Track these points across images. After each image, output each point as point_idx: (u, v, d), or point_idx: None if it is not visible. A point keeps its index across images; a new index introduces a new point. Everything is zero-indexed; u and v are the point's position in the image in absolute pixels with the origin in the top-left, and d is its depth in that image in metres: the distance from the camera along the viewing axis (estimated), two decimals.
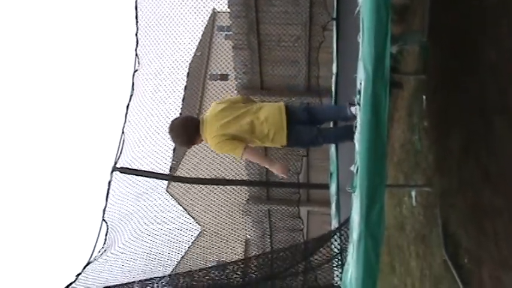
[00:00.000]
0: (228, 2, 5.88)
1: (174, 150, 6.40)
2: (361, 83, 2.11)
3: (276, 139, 3.82)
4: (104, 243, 4.53)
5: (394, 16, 5.14)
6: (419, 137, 4.45)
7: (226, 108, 3.88)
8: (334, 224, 4.66)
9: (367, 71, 1.97)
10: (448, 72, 3.67)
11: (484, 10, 3.07)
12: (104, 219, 4.66)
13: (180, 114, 6.58)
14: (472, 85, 3.19)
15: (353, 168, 2.32)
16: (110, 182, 4.95)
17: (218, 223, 7.18)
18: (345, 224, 2.41)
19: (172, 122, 4.03)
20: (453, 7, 3.66)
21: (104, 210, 4.74)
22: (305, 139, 3.99)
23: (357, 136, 2.14)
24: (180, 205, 6.73)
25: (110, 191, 4.97)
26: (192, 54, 6.64)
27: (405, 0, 5.20)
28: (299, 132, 3.88)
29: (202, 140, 3.96)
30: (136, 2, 5.41)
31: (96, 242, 4.47)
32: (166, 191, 6.32)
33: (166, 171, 6.09)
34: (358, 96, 2.17)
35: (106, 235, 4.58)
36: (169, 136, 4.03)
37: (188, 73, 6.74)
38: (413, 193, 4.48)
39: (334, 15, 5.10)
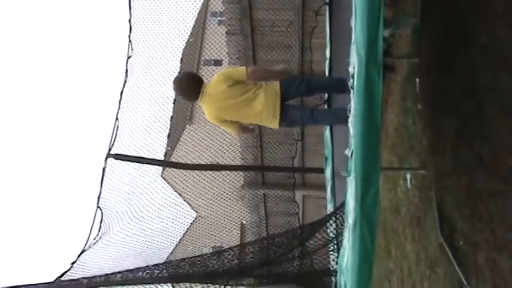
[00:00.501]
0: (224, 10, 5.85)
1: (168, 135, 6.40)
2: (354, 67, 2.11)
3: (269, 124, 4.06)
4: (99, 231, 4.54)
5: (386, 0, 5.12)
6: (413, 121, 4.45)
7: (228, 89, 3.96)
8: (330, 208, 4.67)
9: (360, 55, 1.96)
10: (441, 55, 3.66)
11: None
12: (98, 206, 4.66)
13: (174, 100, 6.57)
14: (464, 68, 3.19)
15: (347, 152, 2.33)
16: (104, 169, 4.94)
17: (213, 208, 7.20)
18: (340, 208, 2.42)
19: (177, 75, 4.30)
20: None
21: (99, 197, 4.74)
22: (298, 121, 4.12)
23: (351, 120, 2.14)
24: (175, 191, 6.73)
25: (105, 177, 4.96)
26: (186, 40, 6.60)
27: None
28: (292, 115, 4.02)
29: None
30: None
31: (91, 229, 4.48)
32: (161, 176, 6.32)
33: (161, 157, 6.08)
34: (351, 81, 2.17)
35: (101, 222, 4.59)
36: (173, 88, 4.20)
37: (182, 59, 6.72)
38: (408, 176, 4.50)
39: (327, 0, 5.07)
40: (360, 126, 1.98)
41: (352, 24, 2.11)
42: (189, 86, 4.09)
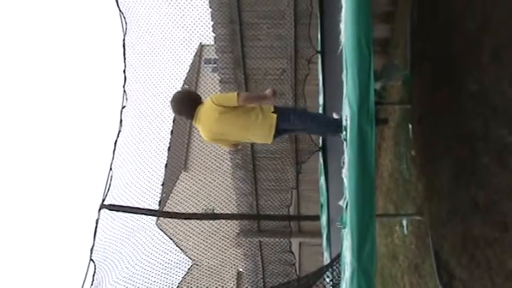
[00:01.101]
0: (214, 37, 5.95)
1: (163, 183, 6.37)
2: (346, 119, 2.12)
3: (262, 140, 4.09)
4: (92, 285, 4.44)
5: (377, 48, 5.23)
6: (407, 166, 4.47)
7: (220, 117, 3.93)
8: (326, 256, 4.62)
9: (352, 109, 1.99)
10: (432, 101, 3.71)
11: (464, 41, 3.13)
12: (91, 259, 4.58)
13: (169, 148, 6.58)
14: (455, 115, 3.23)
15: (342, 203, 2.32)
16: (97, 220, 4.88)
17: (209, 256, 7.11)
18: (336, 259, 2.39)
19: (176, 93, 4.17)
20: (434, 38, 3.73)
21: (92, 250, 4.66)
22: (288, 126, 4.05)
23: (345, 172, 2.14)
24: (170, 239, 6.65)
25: (98, 229, 4.89)
26: (180, 87, 6.68)
27: (387, 33, 5.30)
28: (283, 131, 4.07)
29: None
30: (124, 40, 5.45)
31: (84, 283, 4.38)
32: (156, 224, 6.26)
33: (156, 205, 6.03)
34: (344, 133, 2.18)
35: (93, 275, 4.49)
36: (170, 106, 4.12)
37: None
38: (404, 222, 4.48)
39: (319, 49, 5.17)
40: (354, 179, 1.99)
41: (344, 78, 2.14)
42: (183, 104, 4.06)
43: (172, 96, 4.12)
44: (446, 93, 3.40)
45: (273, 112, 3.89)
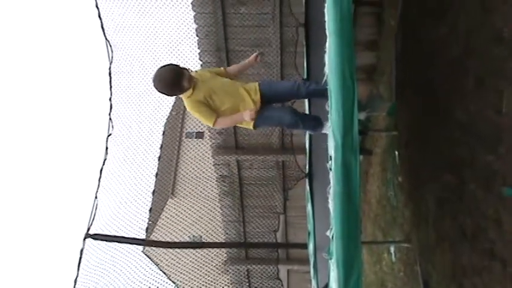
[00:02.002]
0: (201, 65, 5.98)
1: (150, 209, 6.31)
2: (331, 151, 2.12)
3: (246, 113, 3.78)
4: None
5: (362, 75, 5.29)
6: (395, 193, 4.47)
7: (220, 79, 3.94)
8: (314, 285, 4.57)
9: (336, 140, 1.99)
10: (419, 128, 3.73)
11: (448, 67, 3.17)
12: None
13: (157, 174, 6.54)
14: (442, 141, 3.25)
15: (329, 233, 2.30)
16: (82, 250, 4.79)
17: (197, 285, 7.01)
18: None
19: (158, 69, 3.81)
20: (419, 64, 3.77)
21: (76, 281, 4.57)
22: (275, 118, 3.91)
23: (330, 203, 2.12)
24: (158, 267, 6.57)
25: (83, 259, 4.81)
26: (168, 114, 6.67)
27: (373, 60, 5.35)
28: (269, 113, 3.86)
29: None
30: (110, 68, 5.45)
31: None
32: (143, 252, 6.18)
33: (143, 232, 5.96)
34: (330, 162, 2.17)
35: None
36: (153, 83, 3.76)
37: (164, 132, 6.75)
38: (392, 249, 4.46)
39: (305, 76, 5.22)
40: (339, 210, 1.97)
41: (327, 108, 2.14)
42: (174, 79, 3.69)
43: (155, 73, 3.76)
44: (432, 119, 3.42)
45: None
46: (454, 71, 3.08)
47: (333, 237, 2.11)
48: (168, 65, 3.81)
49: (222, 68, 4.09)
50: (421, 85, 3.69)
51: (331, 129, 2.04)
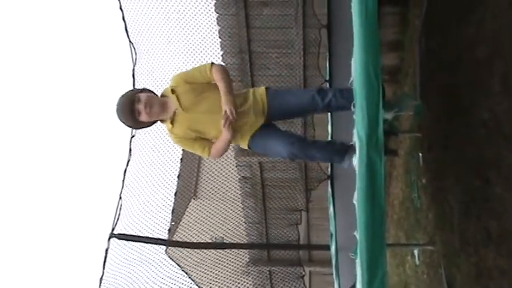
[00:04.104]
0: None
1: (173, 211, 6.36)
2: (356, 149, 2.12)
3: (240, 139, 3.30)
4: None
5: (386, 77, 5.25)
6: (418, 195, 4.43)
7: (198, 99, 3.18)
8: (336, 287, 4.56)
9: (361, 140, 1.98)
10: (443, 129, 3.70)
11: (474, 68, 3.13)
12: None
13: (179, 175, 6.59)
14: (466, 142, 3.21)
15: (356, 233, 2.29)
16: (107, 250, 4.87)
17: (219, 285, 7.05)
18: None
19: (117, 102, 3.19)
20: (444, 65, 3.74)
21: (101, 279, 4.64)
22: (273, 151, 3.27)
23: (356, 203, 2.12)
24: (180, 267, 6.62)
25: (108, 258, 4.88)
26: None
27: (396, 61, 5.32)
28: (268, 139, 3.25)
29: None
30: (133, 70, 5.53)
31: None
32: (166, 253, 6.23)
33: (165, 233, 6.02)
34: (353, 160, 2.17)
35: None
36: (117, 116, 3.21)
37: None
38: (416, 252, 4.42)
39: (327, 77, 5.21)
40: (364, 210, 1.97)
41: (352, 108, 2.15)
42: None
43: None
44: (457, 120, 3.38)
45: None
46: (480, 72, 3.04)
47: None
48: (126, 92, 3.22)
49: (207, 72, 3.17)
50: (446, 86, 3.65)
51: (356, 130, 2.05)
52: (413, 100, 3.24)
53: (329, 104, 3.07)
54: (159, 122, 3.36)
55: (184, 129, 3.19)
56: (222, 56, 5.92)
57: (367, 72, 1.99)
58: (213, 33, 5.76)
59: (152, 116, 3.17)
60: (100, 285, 4.57)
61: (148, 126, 3.35)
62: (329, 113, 4.87)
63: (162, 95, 3.24)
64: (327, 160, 3.27)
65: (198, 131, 3.20)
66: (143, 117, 3.13)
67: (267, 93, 3.21)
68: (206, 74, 3.17)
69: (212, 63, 3.21)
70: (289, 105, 3.19)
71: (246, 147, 3.29)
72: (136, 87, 5.64)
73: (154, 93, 3.27)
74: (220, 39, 5.85)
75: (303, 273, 7.07)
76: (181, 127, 3.19)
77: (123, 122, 3.19)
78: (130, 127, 3.42)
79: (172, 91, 3.18)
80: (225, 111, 3.01)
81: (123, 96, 3.16)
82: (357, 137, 2.04)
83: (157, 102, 3.17)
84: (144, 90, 3.25)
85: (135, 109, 3.09)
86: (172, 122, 3.19)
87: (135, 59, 5.55)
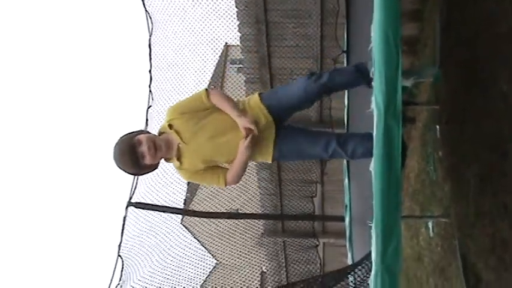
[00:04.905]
0: (240, 37, 5.97)
1: (188, 182, 6.42)
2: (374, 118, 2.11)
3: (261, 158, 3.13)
4: (120, 279, 4.51)
5: (404, 47, 5.18)
6: (434, 167, 4.42)
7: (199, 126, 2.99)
8: (350, 258, 4.60)
9: (378, 106, 1.98)
10: (461, 103, 3.66)
11: (495, 41, 3.08)
12: (119, 255, 4.65)
13: None
14: (485, 116, 3.18)
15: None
16: (125, 217, 4.95)
17: (233, 256, 7.14)
18: (365, 259, 2.39)
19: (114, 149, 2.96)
20: (463, 38, 3.68)
21: (120, 246, 4.73)
22: (305, 155, 3.14)
23: (372, 171, 2.12)
24: (195, 237, 6.71)
25: (125, 226, 4.97)
26: (208, 86, 6.72)
27: (415, 32, 5.24)
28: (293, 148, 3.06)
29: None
30: (149, 40, 5.51)
31: (112, 278, 4.44)
32: (181, 223, 6.31)
33: (181, 204, 6.08)
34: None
35: (122, 271, 4.56)
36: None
37: None
38: (430, 224, 4.43)
39: (345, 48, 5.15)
40: (379, 179, 1.97)
41: (371, 75, 2.13)
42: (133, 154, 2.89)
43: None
44: (475, 94, 3.35)
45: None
46: (500, 45, 2.99)
47: None
48: (121, 137, 2.96)
49: (204, 99, 2.96)
50: (465, 59, 3.60)
51: (374, 96, 2.04)
52: (432, 68, 3.17)
53: (325, 84, 2.89)
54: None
55: (193, 162, 3.00)
56: (238, 26, 5.88)
57: (386, 39, 1.97)
58: (230, 2, 5.71)
59: (157, 158, 2.95)
60: (119, 252, 4.67)
61: (153, 170, 3.10)
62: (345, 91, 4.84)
63: (160, 133, 3.03)
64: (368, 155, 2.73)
65: (208, 161, 3.02)
66: (148, 160, 2.89)
67: (260, 97, 3.03)
68: (203, 101, 2.97)
69: (206, 89, 3.03)
70: (287, 97, 3.03)
71: (271, 161, 3.10)
72: (152, 58, 5.65)
73: (153, 134, 3.05)
74: (236, 9, 5.79)
75: (317, 243, 7.11)
76: (190, 161, 3.00)
77: (124, 170, 2.96)
78: (133, 175, 3.22)
79: (170, 126, 2.97)
80: (246, 128, 2.86)
81: (120, 142, 2.92)
82: (375, 104, 2.03)
83: (162, 141, 2.95)
84: (140, 132, 3.00)
85: (138, 153, 2.86)
86: (179, 159, 3.00)
87: (151, 29, 5.53)
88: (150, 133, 3.04)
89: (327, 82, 2.89)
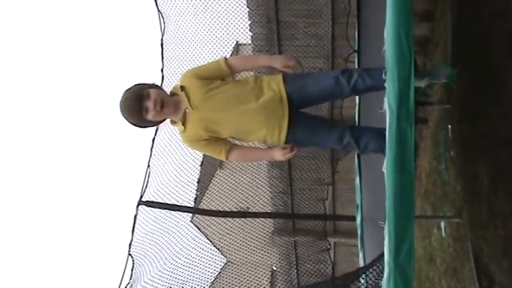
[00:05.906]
0: (251, 37, 5.98)
1: (198, 181, 6.42)
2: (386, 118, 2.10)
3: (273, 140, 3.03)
4: (130, 278, 4.53)
5: (416, 47, 5.15)
6: (446, 167, 4.39)
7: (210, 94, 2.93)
8: (361, 257, 4.60)
9: (391, 110, 1.97)
10: (472, 102, 3.64)
11: (507, 42, 3.06)
12: (130, 254, 4.67)
13: None
14: (497, 117, 3.15)
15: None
16: (135, 216, 4.97)
17: (243, 255, 7.14)
18: (378, 259, 2.38)
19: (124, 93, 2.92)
20: (475, 38, 3.65)
21: (130, 245, 4.74)
22: (318, 143, 3.15)
23: (385, 171, 2.11)
24: (205, 236, 6.72)
25: (136, 224, 4.98)
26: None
27: (427, 32, 5.21)
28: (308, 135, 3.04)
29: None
30: (162, 40, 5.53)
31: (123, 277, 4.46)
32: (191, 221, 6.33)
33: (191, 202, 6.10)
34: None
35: (132, 270, 4.57)
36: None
37: None
38: (442, 224, 4.40)
39: (356, 47, 5.14)
40: (393, 180, 1.96)
41: (383, 76, 2.12)
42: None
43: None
44: (487, 94, 3.32)
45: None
46: None
47: None
48: (135, 84, 2.93)
49: (222, 64, 2.97)
50: (477, 58, 3.57)
51: (386, 97, 2.03)
52: (447, 68, 3.13)
53: (355, 85, 2.85)
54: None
55: (197, 130, 2.95)
56: (249, 25, 5.88)
57: (398, 40, 1.96)
58: (241, 2, 5.71)
59: (161, 115, 2.92)
60: (129, 250, 4.69)
61: (154, 125, 3.09)
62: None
63: (171, 93, 3.02)
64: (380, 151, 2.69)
65: (212, 131, 2.95)
66: (151, 116, 2.84)
67: (284, 79, 2.94)
68: (222, 67, 2.95)
69: (225, 57, 3.00)
70: (310, 89, 2.92)
71: (284, 143, 2.98)
72: (164, 57, 5.66)
73: (164, 91, 3.02)
74: (248, 9, 5.80)
75: (329, 246, 7.09)
76: (194, 128, 2.94)
77: (126, 118, 2.89)
78: (133, 125, 3.02)
79: (182, 88, 2.94)
80: (287, 66, 2.89)
81: (129, 90, 2.88)
82: (388, 105, 2.02)
83: (170, 101, 2.93)
84: (153, 86, 2.95)
85: (143, 106, 2.81)
86: (184, 124, 2.95)
87: (164, 28, 5.55)
88: (162, 89, 3.01)
89: (357, 84, 2.86)
